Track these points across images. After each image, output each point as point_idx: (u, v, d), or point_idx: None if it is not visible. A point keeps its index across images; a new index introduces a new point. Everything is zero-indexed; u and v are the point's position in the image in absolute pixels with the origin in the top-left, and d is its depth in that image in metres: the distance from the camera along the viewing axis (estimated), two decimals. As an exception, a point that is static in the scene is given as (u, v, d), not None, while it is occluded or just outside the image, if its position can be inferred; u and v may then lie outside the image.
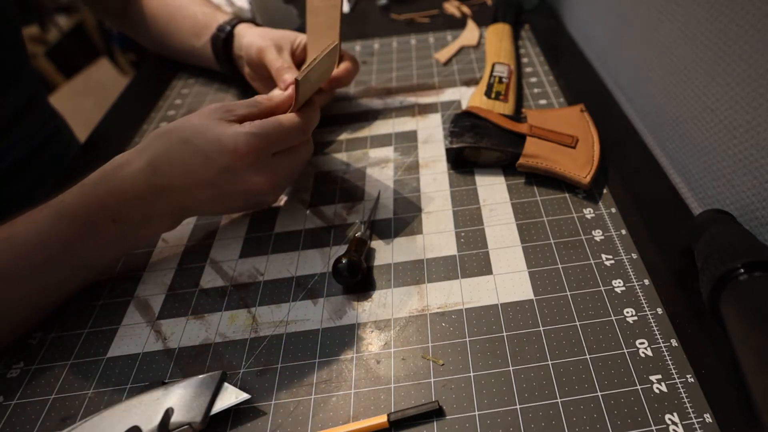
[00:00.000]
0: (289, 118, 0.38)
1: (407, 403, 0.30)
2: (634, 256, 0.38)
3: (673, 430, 0.28)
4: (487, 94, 0.51)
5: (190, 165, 0.35)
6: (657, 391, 0.30)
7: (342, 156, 0.50)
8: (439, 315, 0.35)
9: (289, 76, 0.46)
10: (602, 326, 0.33)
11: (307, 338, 0.35)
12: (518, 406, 0.30)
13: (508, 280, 0.37)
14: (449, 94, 0.57)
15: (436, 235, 0.41)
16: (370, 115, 0.55)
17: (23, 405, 0.33)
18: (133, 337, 0.36)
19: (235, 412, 0.31)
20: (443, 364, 0.32)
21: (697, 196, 0.45)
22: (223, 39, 0.55)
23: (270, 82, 0.51)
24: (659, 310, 0.34)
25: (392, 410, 0.30)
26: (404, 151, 0.50)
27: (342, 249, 0.40)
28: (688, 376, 0.30)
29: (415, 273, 0.38)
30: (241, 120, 0.37)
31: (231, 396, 0.30)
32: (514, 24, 0.65)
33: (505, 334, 0.34)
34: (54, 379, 0.34)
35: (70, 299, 0.38)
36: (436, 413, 0.30)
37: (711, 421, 0.28)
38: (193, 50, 0.60)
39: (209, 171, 0.36)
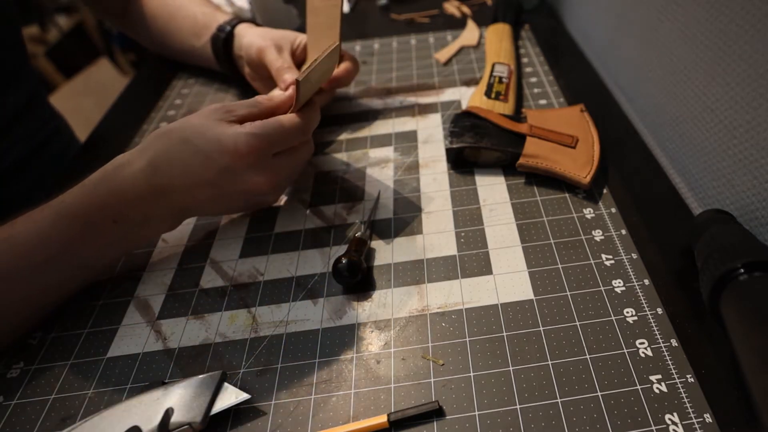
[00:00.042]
0: (290, 118, 0.38)
1: (407, 403, 0.30)
2: (634, 256, 0.38)
3: (673, 430, 0.28)
4: (487, 94, 0.51)
5: (191, 165, 0.35)
6: (657, 391, 0.30)
7: (342, 156, 0.50)
8: (439, 315, 0.35)
9: (290, 76, 0.46)
10: (602, 326, 0.33)
11: (307, 338, 0.35)
12: (518, 406, 0.30)
13: (508, 280, 0.37)
14: (449, 94, 0.57)
15: (436, 235, 0.41)
16: (370, 115, 0.55)
17: (23, 405, 0.33)
18: (133, 337, 0.36)
19: (235, 412, 0.31)
20: (443, 364, 0.32)
21: (697, 196, 0.45)
22: (223, 39, 0.55)
23: (270, 82, 0.51)
24: (659, 310, 0.34)
25: (392, 410, 0.30)
26: (404, 151, 0.50)
27: (342, 249, 0.40)
28: (688, 376, 0.30)
29: (415, 273, 0.38)
30: (241, 120, 0.37)
31: (231, 396, 0.30)
32: (514, 24, 0.65)
33: (505, 334, 0.34)
34: (54, 379, 0.34)
35: (70, 299, 0.38)
36: (436, 413, 0.30)
37: (711, 421, 0.28)
38: (193, 50, 0.60)
39: (209, 171, 0.36)
